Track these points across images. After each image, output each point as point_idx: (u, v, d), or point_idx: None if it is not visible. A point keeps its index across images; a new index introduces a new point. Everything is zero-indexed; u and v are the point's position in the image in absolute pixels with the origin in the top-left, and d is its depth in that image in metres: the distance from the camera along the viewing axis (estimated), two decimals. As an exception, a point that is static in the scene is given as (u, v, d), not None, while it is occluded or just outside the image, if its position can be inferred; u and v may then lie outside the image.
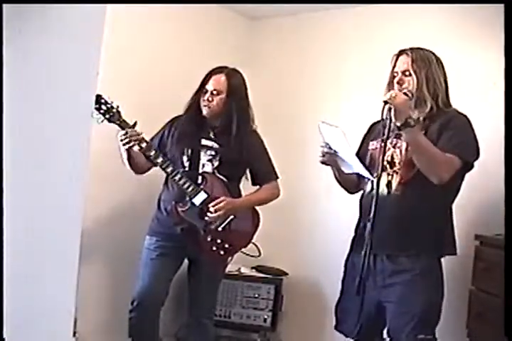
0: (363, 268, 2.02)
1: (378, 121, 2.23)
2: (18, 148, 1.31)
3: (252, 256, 2.89)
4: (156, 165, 2.63)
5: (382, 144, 2.06)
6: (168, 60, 3.26)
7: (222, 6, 3.52)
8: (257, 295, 3.28)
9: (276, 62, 3.69)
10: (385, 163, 2.20)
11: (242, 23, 3.74)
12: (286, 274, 3.39)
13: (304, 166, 3.36)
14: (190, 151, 2.69)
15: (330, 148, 2.29)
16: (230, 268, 3.04)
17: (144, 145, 2.56)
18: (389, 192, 2.20)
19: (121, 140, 2.53)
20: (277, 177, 2.82)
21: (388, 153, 2.21)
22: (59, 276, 1.43)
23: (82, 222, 1.46)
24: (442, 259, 2.24)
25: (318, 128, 2.26)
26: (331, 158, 2.32)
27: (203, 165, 2.68)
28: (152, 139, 2.73)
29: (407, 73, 2.23)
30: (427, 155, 2.10)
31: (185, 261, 2.80)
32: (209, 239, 2.64)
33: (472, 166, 2.20)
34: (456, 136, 2.16)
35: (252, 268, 3.43)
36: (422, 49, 2.26)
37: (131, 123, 2.54)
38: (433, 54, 2.26)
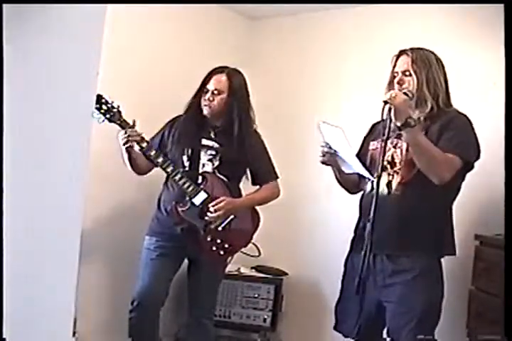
0: (362, 268, 2.02)
1: (379, 122, 2.23)
2: (18, 148, 1.31)
3: (251, 256, 2.89)
4: (156, 165, 2.63)
5: (383, 144, 2.06)
6: (168, 60, 3.25)
7: (222, 6, 3.51)
8: (256, 295, 3.28)
9: (276, 62, 3.69)
10: (386, 163, 2.20)
11: (242, 23, 3.73)
12: (286, 274, 3.38)
13: (304, 166, 3.36)
14: (190, 151, 2.68)
15: (330, 147, 2.29)
16: (230, 268, 3.04)
17: (144, 145, 2.57)
18: (389, 192, 2.20)
19: (122, 140, 2.54)
20: (277, 177, 2.82)
21: (389, 153, 2.21)
22: (59, 276, 1.43)
23: (82, 222, 1.46)
24: (442, 259, 2.23)
25: (318, 128, 2.26)
26: (331, 158, 2.32)
27: (203, 165, 2.68)
28: (152, 139, 2.73)
29: (408, 73, 2.23)
30: (427, 155, 2.10)
31: (185, 261, 2.80)
32: (209, 238, 2.64)
33: (473, 166, 2.20)
34: (456, 136, 2.16)
35: (252, 268, 3.43)
36: (422, 49, 2.26)
37: (132, 123, 2.55)
38: (433, 54, 2.26)
